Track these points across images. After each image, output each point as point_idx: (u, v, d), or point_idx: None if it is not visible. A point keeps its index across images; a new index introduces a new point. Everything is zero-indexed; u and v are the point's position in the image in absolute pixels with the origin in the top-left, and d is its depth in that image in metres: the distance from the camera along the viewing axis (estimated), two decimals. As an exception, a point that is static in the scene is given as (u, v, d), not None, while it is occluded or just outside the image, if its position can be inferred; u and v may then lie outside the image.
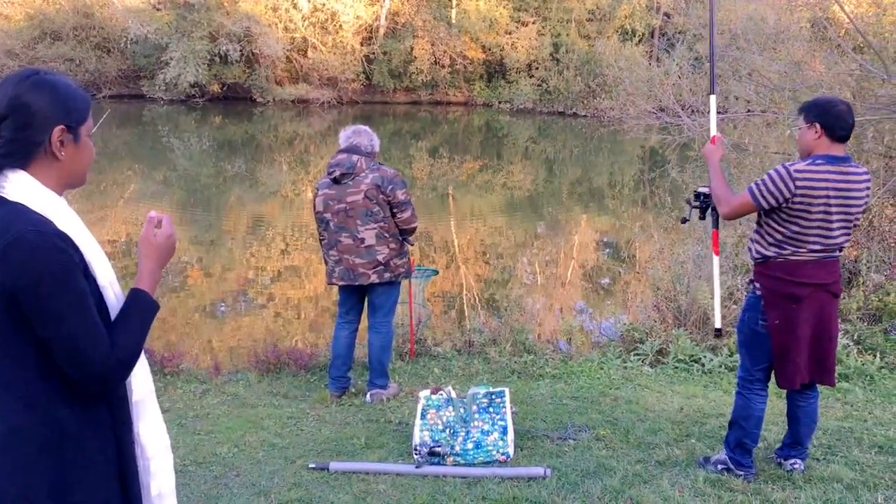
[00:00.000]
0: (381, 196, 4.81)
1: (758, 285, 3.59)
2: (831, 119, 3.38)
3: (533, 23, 32.88)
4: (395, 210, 4.88)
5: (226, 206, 15.17)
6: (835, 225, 3.39)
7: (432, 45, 32.28)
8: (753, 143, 8.87)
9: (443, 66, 32.75)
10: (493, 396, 4.40)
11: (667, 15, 31.12)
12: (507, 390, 4.48)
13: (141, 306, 1.75)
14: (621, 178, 19.91)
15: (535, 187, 18.24)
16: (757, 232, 3.59)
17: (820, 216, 3.36)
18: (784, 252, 3.45)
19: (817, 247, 3.42)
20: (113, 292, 1.73)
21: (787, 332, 3.49)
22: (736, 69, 9.86)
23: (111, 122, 26.42)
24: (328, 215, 4.90)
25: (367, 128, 5.07)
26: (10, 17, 30.51)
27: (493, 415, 4.27)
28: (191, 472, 3.91)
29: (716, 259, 3.98)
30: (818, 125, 3.41)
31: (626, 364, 5.90)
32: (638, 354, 6.07)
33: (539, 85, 32.33)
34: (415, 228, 5.04)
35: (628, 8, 31.93)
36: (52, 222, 1.61)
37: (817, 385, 3.70)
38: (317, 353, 6.17)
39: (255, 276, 10.03)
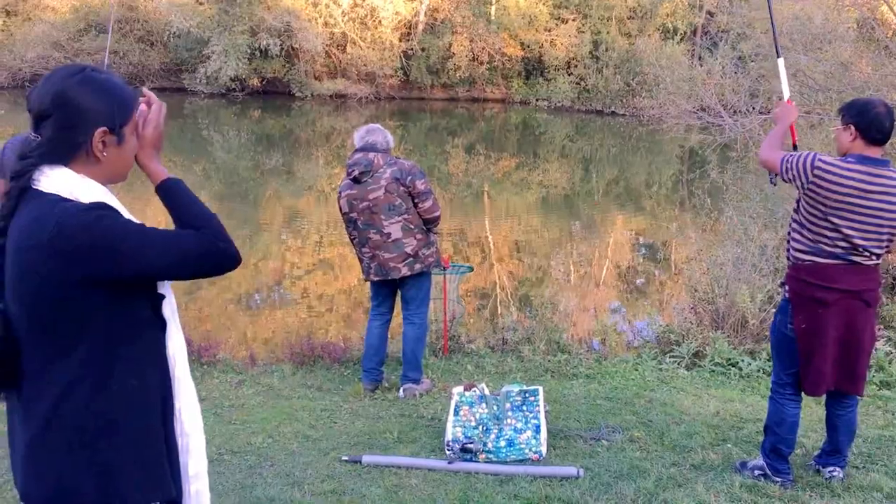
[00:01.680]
0: (401, 188, 4.85)
1: (787, 288, 3.53)
2: (867, 121, 3.30)
3: (573, 20, 32.64)
4: (416, 201, 4.91)
5: (263, 199, 15.32)
6: (859, 228, 3.28)
7: (471, 41, 32.21)
8: (798, 144, 8.70)
9: (481, 63, 32.67)
10: (527, 395, 4.39)
11: (710, 13, 30.64)
12: (540, 389, 4.46)
13: (181, 194, 1.78)
14: (659, 178, 19.71)
15: (572, 186, 18.13)
16: (790, 234, 3.53)
17: (840, 215, 3.27)
18: (813, 255, 3.38)
19: (841, 250, 3.32)
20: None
21: (812, 337, 3.42)
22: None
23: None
24: (354, 215, 4.95)
25: (379, 126, 5.15)
26: (57, 9, 31.10)
27: (527, 413, 4.26)
28: (226, 460, 3.95)
29: None
30: (853, 127, 3.35)
31: (661, 366, 5.84)
32: (674, 357, 5.99)
33: (577, 83, 32.09)
34: (438, 217, 5.06)
35: (670, 6, 31.54)
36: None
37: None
38: (350, 346, 6.20)
39: (289, 269, 10.12)
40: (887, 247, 3.39)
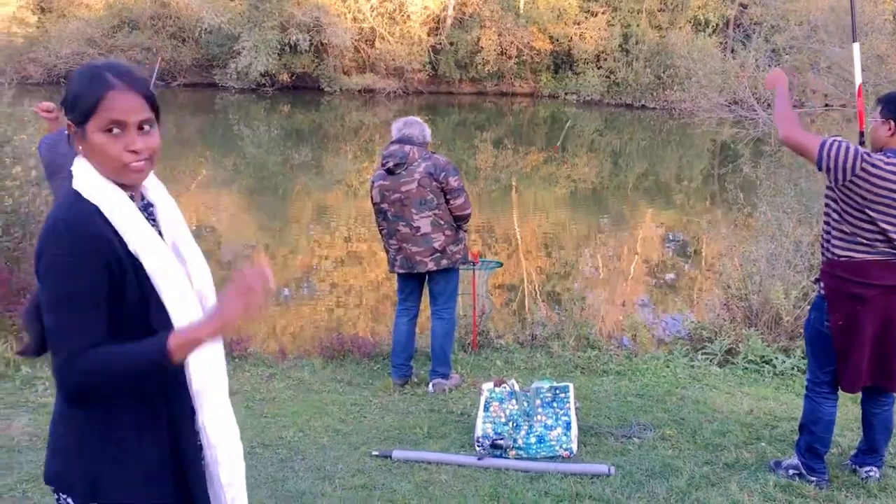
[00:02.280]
0: (434, 183, 4.84)
1: (822, 284, 3.46)
2: None
3: (602, 13, 32.36)
4: (448, 197, 4.90)
5: (292, 193, 15.41)
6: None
7: (499, 35, 32.07)
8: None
9: (509, 57, 32.53)
10: (557, 391, 4.37)
11: (742, 5, 30.19)
12: (571, 385, 4.44)
13: (147, 353, 1.57)
14: (690, 172, 19.49)
15: (600, 180, 18.00)
16: (825, 230, 3.46)
17: (878, 209, 3.20)
18: (850, 251, 3.30)
19: (881, 246, 3.25)
20: (168, 278, 1.66)
21: (849, 335, 3.36)
22: (815, 61, 9.54)
23: (185, 109, 27.11)
24: (385, 206, 4.94)
25: (417, 119, 5.13)
26: (91, 6, 31.52)
27: (557, 409, 4.23)
28: (258, 453, 3.98)
29: None
30: (893, 122, 3.28)
31: (692, 363, 5.78)
32: (706, 353, 5.93)
33: (607, 76, 31.83)
34: (468, 215, 5.05)
35: (702, -2, 31.18)
36: (93, 213, 1.60)
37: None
38: (380, 340, 6.22)
39: (318, 263, 10.17)
40: None
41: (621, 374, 5.52)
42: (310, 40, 30.16)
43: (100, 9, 31.32)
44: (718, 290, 7.29)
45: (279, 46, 30.13)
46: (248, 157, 19.55)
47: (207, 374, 1.77)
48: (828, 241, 3.42)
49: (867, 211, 3.23)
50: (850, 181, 3.22)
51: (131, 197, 1.69)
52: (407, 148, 4.88)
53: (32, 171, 6.41)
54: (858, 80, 3.75)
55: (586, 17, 32.48)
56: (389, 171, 4.90)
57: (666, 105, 23.40)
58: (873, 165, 3.19)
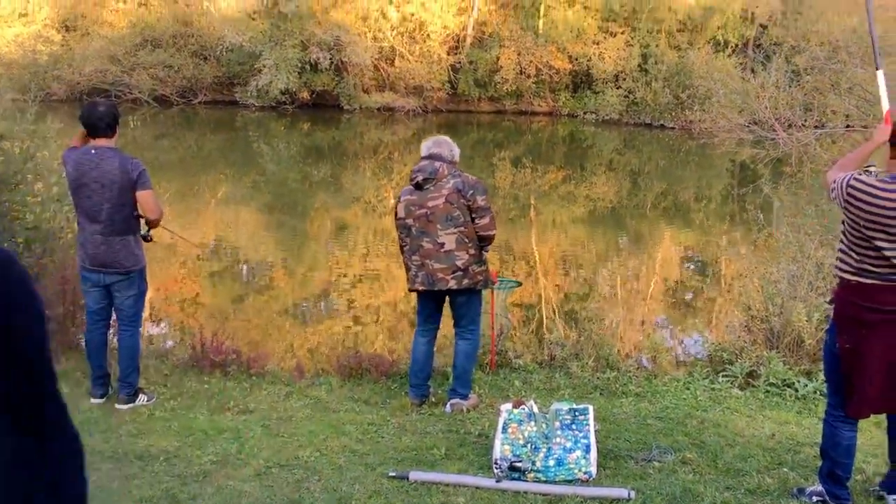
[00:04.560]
0: (461, 201, 4.83)
1: (833, 307, 3.49)
2: None
3: (622, 33, 32.36)
4: (474, 216, 4.89)
5: (311, 210, 15.48)
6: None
7: (518, 54, 32.16)
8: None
9: (528, 76, 32.59)
10: (577, 413, 4.32)
11: (762, 26, 30.18)
12: (590, 407, 4.39)
13: None
14: (709, 192, 19.39)
15: (619, 199, 17.95)
16: (838, 251, 3.48)
17: (873, 230, 3.21)
18: (857, 274, 3.31)
19: (884, 270, 3.25)
20: None
21: (855, 358, 3.34)
22: (836, 82, 9.48)
23: (205, 127, 27.37)
24: (410, 221, 4.94)
25: (447, 138, 5.13)
26: (114, 24, 31.96)
27: (576, 432, 4.18)
28: (273, 474, 3.97)
29: None
30: (890, 146, 3.36)
31: (713, 385, 5.70)
32: (726, 376, 5.85)
33: (626, 96, 31.78)
34: (492, 236, 5.03)
35: (721, 18, 31.07)
36: None
37: None
38: (398, 360, 6.19)
39: (336, 280, 10.18)
40: None
41: (641, 395, 5.47)
42: (330, 59, 30.37)
43: (123, 27, 31.73)
44: (738, 312, 7.21)
45: (300, 65, 30.37)
46: (268, 174, 19.69)
47: None
48: (838, 265, 3.44)
49: (864, 231, 3.24)
50: (846, 202, 3.28)
51: None
52: (437, 164, 4.89)
53: (54, 187, 6.47)
54: (886, 105, 3.74)
55: (605, 37, 32.49)
56: (418, 186, 4.91)
57: (685, 125, 23.33)
58: (856, 189, 3.24)
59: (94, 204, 4.68)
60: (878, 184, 3.24)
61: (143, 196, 4.72)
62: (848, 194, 3.25)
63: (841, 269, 3.40)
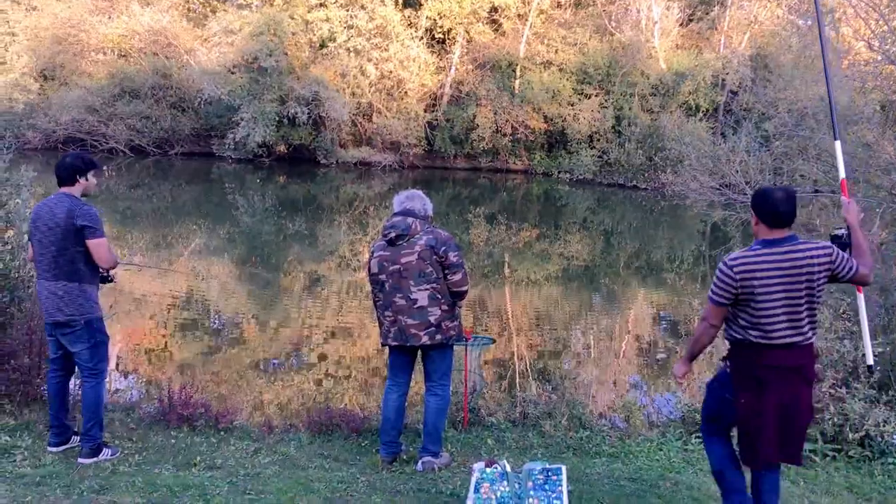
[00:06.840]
0: (434, 257, 4.84)
1: (729, 363, 3.77)
2: (761, 208, 3.62)
3: (596, 95, 33.12)
4: (447, 272, 4.89)
5: (285, 263, 15.40)
6: (782, 307, 3.51)
7: (495, 113, 32.73)
8: (823, 223, 8.68)
9: (504, 135, 33.13)
10: (549, 473, 4.27)
11: (733, 92, 31.02)
12: (563, 467, 4.34)
13: None
14: (681, 252, 19.62)
15: (593, 258, 18.09)
16: (728, 315, 3.72)
17: (766, 299, 3.51)
18: (750, 336, 3.59)
19: (776, 331, 3.54)
20: None
21: (752, 413, 3.62)
22: (804, 148, 9.72)
23: (181, 178, 27.33)
24: (383, 276, 4.93)
25: (420, 192, 5.16)
26: (93, 74, 32.09)
27: (549, 493, 4.13)
28: (239, 532, 3.85)
29: (860, 296, 4.10)
30: (753, 213, 3.68)
31: (686, 446, 5.68)
32: (700, 437, 5.82)
33: (600, 156, 32.36)
34: (465, 292, 5.04)
35: (692, 84, 31.94)
36: None
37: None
38: (370, 415, 6.11)
39: (308, 334, 10.08)
40: (812, 317, 3.59)
41: (614, 456, 5.42)
42: (308, 113, 30.68)
43: (102, 77, 31.88)
44: (710, 373, 7.22)
45: (277, 118, 30.64)
46: (242, 226, 19.62)
47: None
48: (731, 327, 3.70)
49: (757, 301, 3.53)
50: (739, 283, 3.56)
51: None
52: (410, 220, 4.90)
53: (24, 235, 6.38)
54: (842, 174, 4.02)
55: (580, 99, 33.21)
56: (390, 242, 4.91)
57: (657, 186, 23.71)
58: (741, 263, 3.56)
59: (42, 248, 4.71)
60: (748, 253, 3.56)
61: (92, 245, 4.70)
62: (736, 272, 3.52)
63: (732, 331, 3.68)
